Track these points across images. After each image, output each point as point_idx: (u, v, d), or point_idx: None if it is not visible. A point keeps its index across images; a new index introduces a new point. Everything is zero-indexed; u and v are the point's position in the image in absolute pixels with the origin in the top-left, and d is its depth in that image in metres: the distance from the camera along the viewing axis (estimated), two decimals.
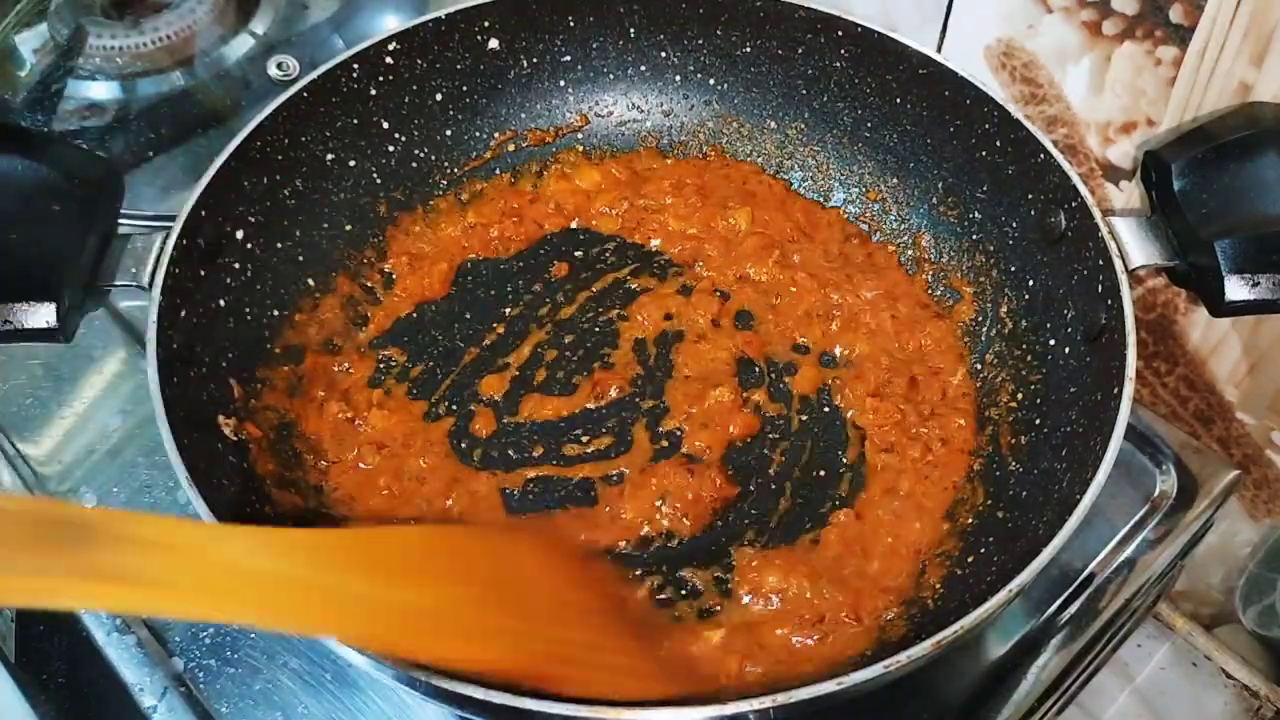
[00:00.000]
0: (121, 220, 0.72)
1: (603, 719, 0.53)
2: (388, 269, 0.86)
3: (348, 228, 0.85)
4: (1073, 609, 0.75)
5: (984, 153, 0.81)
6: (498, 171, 0.92)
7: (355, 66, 0.83)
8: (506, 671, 0.49)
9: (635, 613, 0.66)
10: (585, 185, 0.92)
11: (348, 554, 0.47)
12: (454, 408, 0.80)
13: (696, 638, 0.67)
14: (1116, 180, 0.89)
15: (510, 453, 0.77)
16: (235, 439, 0.71)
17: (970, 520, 0.73)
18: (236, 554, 0.39)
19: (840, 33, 0.86)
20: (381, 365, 0.81)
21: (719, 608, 0.69)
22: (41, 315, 0.64)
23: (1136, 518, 0.79)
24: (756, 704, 0.53)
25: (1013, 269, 0.81)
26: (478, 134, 0.92)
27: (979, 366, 0.81)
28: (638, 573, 0.71)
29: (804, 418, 0.80)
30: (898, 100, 0.86)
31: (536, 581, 0.56)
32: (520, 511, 0.74)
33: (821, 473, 0.77)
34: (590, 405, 0.80)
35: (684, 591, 0.71)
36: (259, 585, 0.40)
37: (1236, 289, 0.68)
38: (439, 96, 0.89)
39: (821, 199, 0.92)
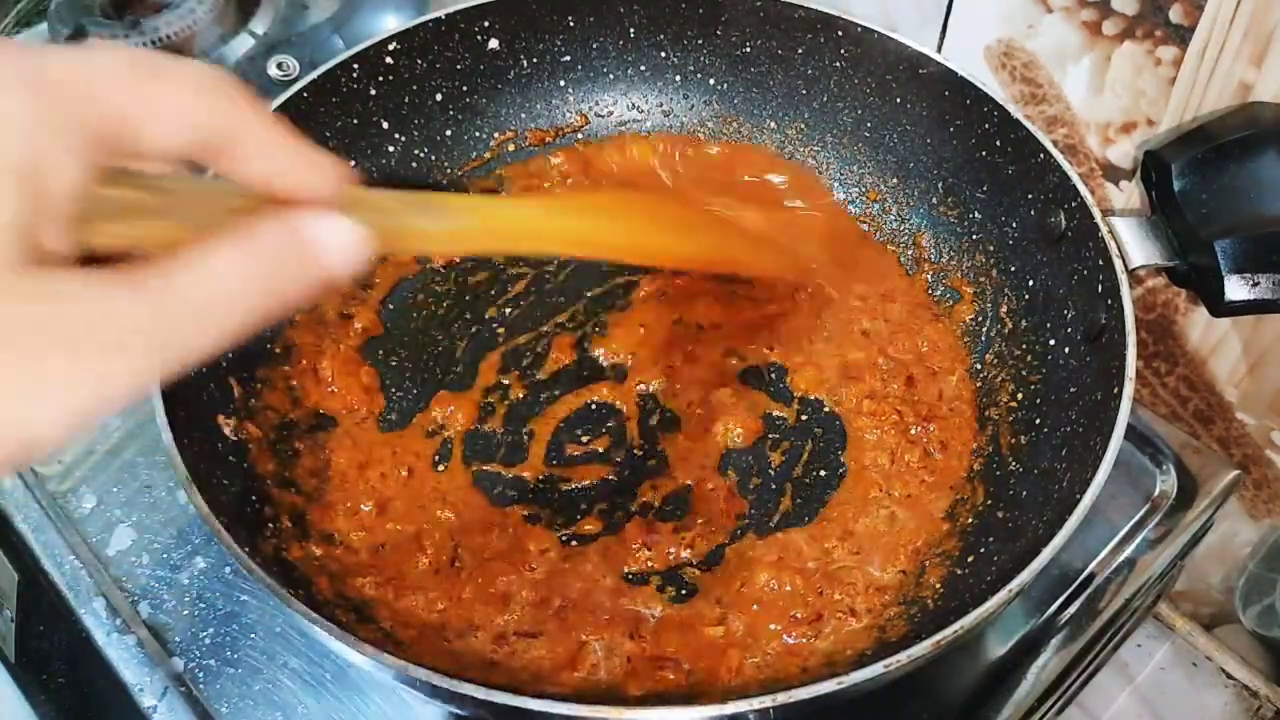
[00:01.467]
0: None
1: (603, 719, 0.53)
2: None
3: None
4: (1073, 609, 0.75)
5: (984, 153, 0.81)
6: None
7: (355, 66, 0.82)
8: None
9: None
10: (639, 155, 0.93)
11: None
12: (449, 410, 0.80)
13: (698, 633, 0.68)
14: (1116, 180, 0.89)
15: (506, 451, 0.77)
16: (235, 439, 0.71)
17: (970, 520, 0.73)
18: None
19: (840, 33, 0.86)
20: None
21: (719, 605, 0.69)
22: None
23: (1136, 518, 0.79)
24: (756, 703, 0.53)
25: (1013, 269, 0.81)
26: (478, 134, 0.92)
27: (979, 366, 0.81)
28: (636, 571, 0.71)
29: (804, 417, 0.80)
30: (898, 100, 0.86)
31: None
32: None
33: (822, 472, 0.77)
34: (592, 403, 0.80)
35: (683, 591, 0.71)
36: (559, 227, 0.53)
37: (1236, 289, 0.68)
38: (439, 96, 0.89)
39: None
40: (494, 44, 0.89)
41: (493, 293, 0.87)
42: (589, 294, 0.86)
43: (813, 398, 0.80)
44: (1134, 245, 0.71)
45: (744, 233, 0.76)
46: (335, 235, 0.37)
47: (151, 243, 0.35)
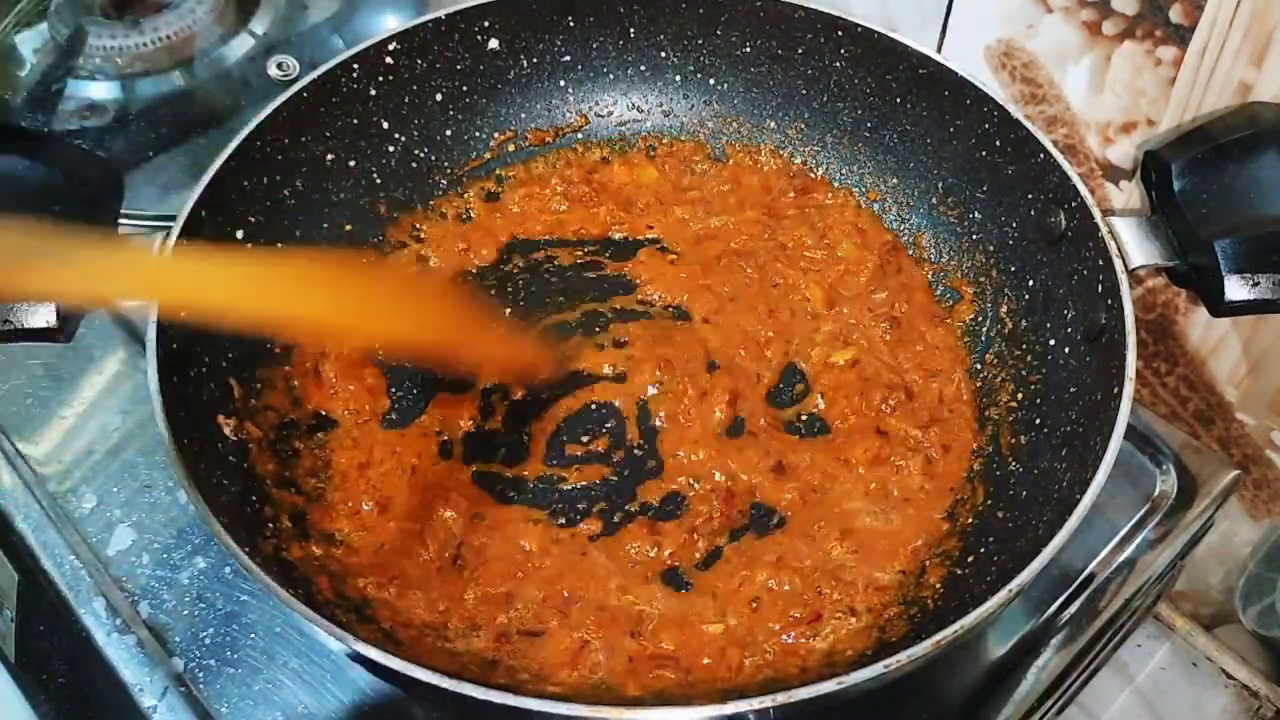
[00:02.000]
0: (121, 220, 0.72)
1: (603, 719, 0.53)
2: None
3: (348, 228, 0.85)
4: (1073, 609, 0.75)
5: (984, 153, 0.81)
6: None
7: (355, 66, 0.83)
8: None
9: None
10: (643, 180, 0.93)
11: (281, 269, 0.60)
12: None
13: (697, 631, 0.68)
14: (1116, 180, 0.89)
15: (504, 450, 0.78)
16: (235, 439, 0.71)
17: (970, 520, 0.73)
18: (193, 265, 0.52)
19: (840, 33, 0.86)
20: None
21: (718, 603, 0.69)
22: (41, 315, 0.63)
23: (1136, 518, 0.79)
24: (756, 703, 0.53)
25: (1013, 269, 0.81)
26: (478, 134, 0.92)
27: (979, 367, 0.81)
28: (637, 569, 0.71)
29: (803, 418, 0.80)
30: (898, 100, 0.86)
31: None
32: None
33: (822, 473, 0.77)
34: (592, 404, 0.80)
35: (684, 590, 0.71)
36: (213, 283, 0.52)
37: (1236, 289, 0.68)
38: (439, 96, 0.89)
39: None
40: (494, 44, 0.89)
41: (493, 292, 0.87)
42: (591, 292, 0.87)
43: (813, 401, 0.80)
44: (1134, 245, 0.71)
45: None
46: None
47: None
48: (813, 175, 0.92)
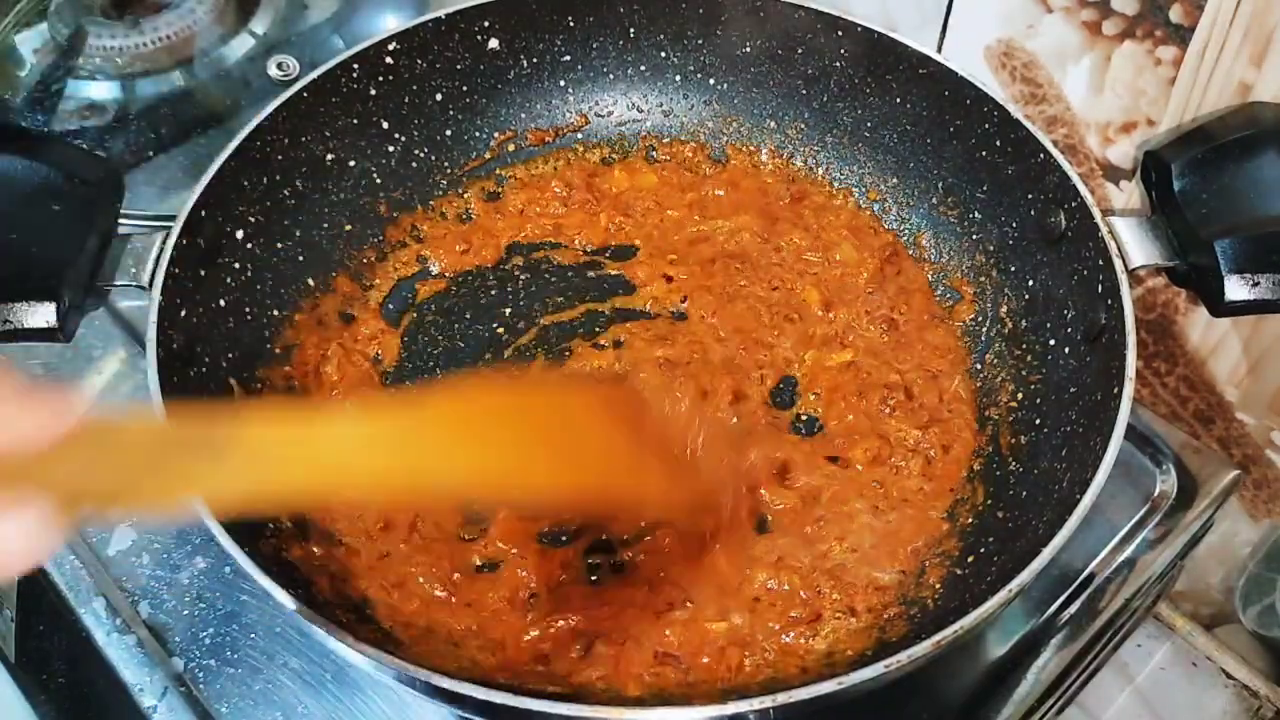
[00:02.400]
0: (121, 220, 0.72)
1: (603, 719, 0.53)
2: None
3: (348, 228, 0.85)
4: (1073, 609, 0.75)
5: (984, 153, 0.81)
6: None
7: (355, 66, 0.83)
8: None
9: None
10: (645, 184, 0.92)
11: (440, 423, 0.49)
12: None
13: (698, 629, 0.68)
14: (1116, 180, 0.89)
15: None
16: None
17: (970, 520, 0.73)
18: (343, 441, 0.42)
19: (840, 33, 0.86)
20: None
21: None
22: (41, 315, 0.64)
23: (1136, 518, 0.79)
24: (756, 704, 0.53)
25: (1013, 269, 0.81)
26: (478, 134, 0.92)
27: (979, 367, 0.81)
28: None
29: (803, 418, 0.80)
30: (898, 100, 0.86)
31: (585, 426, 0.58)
32: None
33: (822, 473, 0.77)
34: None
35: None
36: (373, 465, 0.44)
37: (1236, 289, 0.68)
38: (439, 96, 0.89)
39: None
40: (494, 44, 0.89)
41: (493, 292, 0.87)
42: (591, 292, 0.87)
43: (812, 403, 0.80)
44: (1134, 245, 0.71)
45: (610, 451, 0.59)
46: (13, 537, 0.34)
47: None
48: (811, 179, 0.92)
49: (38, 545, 0.34)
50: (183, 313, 0.69)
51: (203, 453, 0.36)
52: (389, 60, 0.84)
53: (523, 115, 0.93)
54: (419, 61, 0.86)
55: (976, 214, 0.84)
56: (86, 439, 0.35)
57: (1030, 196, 0.78)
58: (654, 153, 0.95)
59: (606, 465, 0.57)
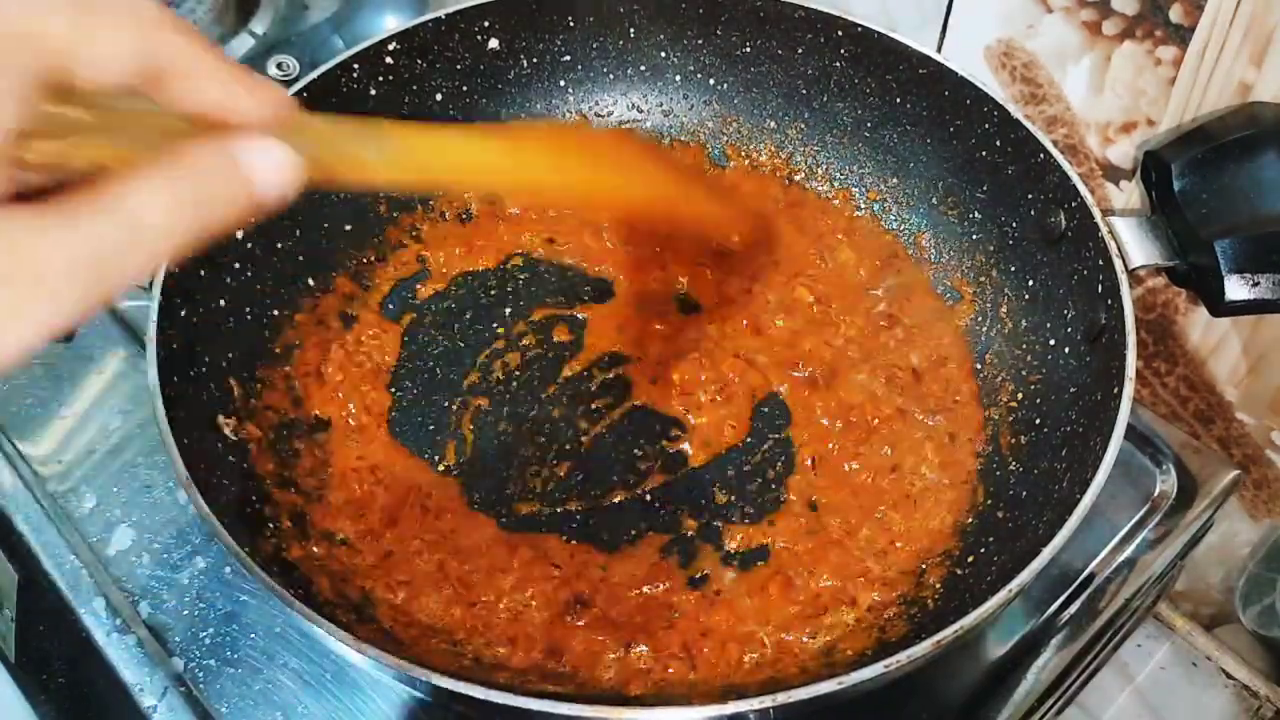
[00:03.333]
0: None
1: (603, 719, 0.53)
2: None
3: (348, 228, 0.85)
4: (1073, 609, 0.75)
5: (984, 153, 0.81)
6: None
7: (355, 66, 0.82)
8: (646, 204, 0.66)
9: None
10: None
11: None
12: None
13: (699, 625, 0.68)
14: (1116, 180, 0.89)
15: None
16: (235, 439, 0.71)
17: (970, 520, 0.73)
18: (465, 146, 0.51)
19: (840, 33, 0.86)
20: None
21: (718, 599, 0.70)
22: None
23: (1136, 518, 0.79)
24: (756, 704, 0.53)
25: (1013, 269, 0.81)
26: None
27: (979, 366, 0.81)
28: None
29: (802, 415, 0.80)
30: (898, 100, 0.86)
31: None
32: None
33: (822, 473, 0.77)
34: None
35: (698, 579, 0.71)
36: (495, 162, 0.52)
37: (1236, 289, 0.68)
38: (439, 96, 0.89)
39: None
40: (494, 44, 0.89)
41: (493, 292, 0.87)
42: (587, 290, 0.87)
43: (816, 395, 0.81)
44: (1134, 245, 0.71)
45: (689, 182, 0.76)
46: (266, 158, 0.38)
47: (86, 162, 0.36)
48: (804, 187, 0.92)
49: (289, 176, 0.39)
50: (183, 313, 0.69)
51: (371, 144, 0.44)
52: (389, 60, 0.84)
53: (522, 115, 0.93)
54: (419, 61, 0.86)
55: (976, 214, 0.84)
56: (296, 122, 0.40)
57: (1030, 196, 0.78)
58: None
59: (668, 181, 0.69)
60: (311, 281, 0.82)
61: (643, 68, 0.93)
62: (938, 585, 0.69)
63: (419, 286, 0.87)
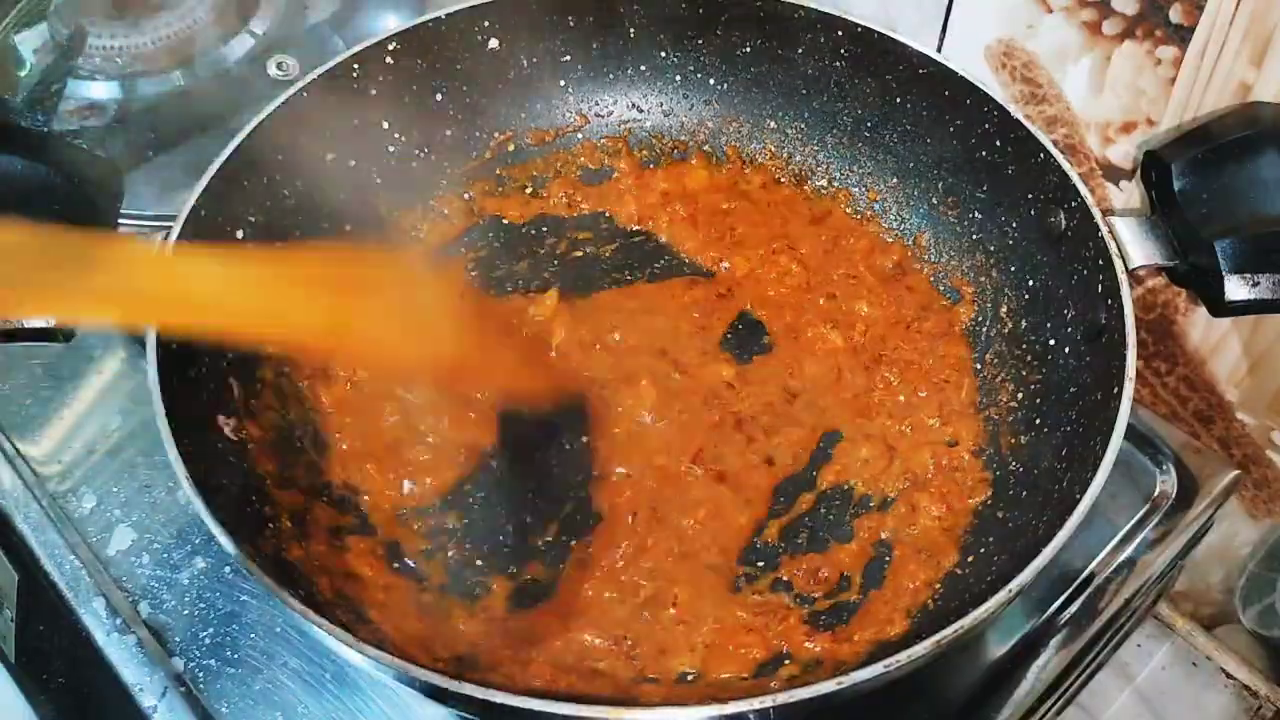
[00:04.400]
0: (121, 220, 0.72)
1: (603, 719, 0.53)
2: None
3: (348, 228, 0.85)
4: (1073, 609, 0.75)
5: (984, 153, 0.81)
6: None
7: (355, 66, 0.82)
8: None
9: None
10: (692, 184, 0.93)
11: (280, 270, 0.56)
12: None
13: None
14: (1116, 180, 0.89)
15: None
16: (235, 439, 0.71)
17: (970, 520, 0.73)
18: (196, 272, 0.48)
19: (840, 33, 0.86)
20: None
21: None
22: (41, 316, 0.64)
23: (1136, 518, 0.79)
24: (756, 703, 0.53)
25: (1013, 269, 0.81)
26: (478, 134, 0.92)
27: (979, 366, 0.81)
28: None
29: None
30: (898, 100, 0.86)
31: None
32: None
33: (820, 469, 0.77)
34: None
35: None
36: (216, 299, 0.49)
37: (1236, 289, 0.68)
38: (439, 96, 0.89)
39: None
40: (494, 44, 0.89)
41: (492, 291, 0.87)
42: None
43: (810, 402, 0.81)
44: (1134, 245, 0.71)
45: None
46: None
47: None
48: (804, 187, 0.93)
49: None
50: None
51: (71, 267, 0.39)
52: (389, 60, 0.84)
53: (523, 115, 0.93)
54: (419, 61, 0.86)
55: (976, 214, 0.84)
56: None
57: (1030, 196, 0.78)
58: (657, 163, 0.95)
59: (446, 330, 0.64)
60: None
61: (643, 68, 0.93)
62: (938, 585, 0.69)
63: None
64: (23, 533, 0.76)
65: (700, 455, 0.76)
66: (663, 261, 0.89)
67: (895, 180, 0.89)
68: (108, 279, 0.40)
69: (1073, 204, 0.74)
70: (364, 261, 0.64)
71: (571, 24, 0.90)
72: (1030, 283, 0.79)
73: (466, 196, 0.91)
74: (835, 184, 0.92)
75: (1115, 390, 0.65)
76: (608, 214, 0.91)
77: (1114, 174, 0.89)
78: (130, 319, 0.45)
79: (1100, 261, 0.71)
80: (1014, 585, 0.57)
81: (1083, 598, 0.75)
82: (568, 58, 0.92)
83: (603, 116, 0.95)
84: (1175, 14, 0.77)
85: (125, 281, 0.42)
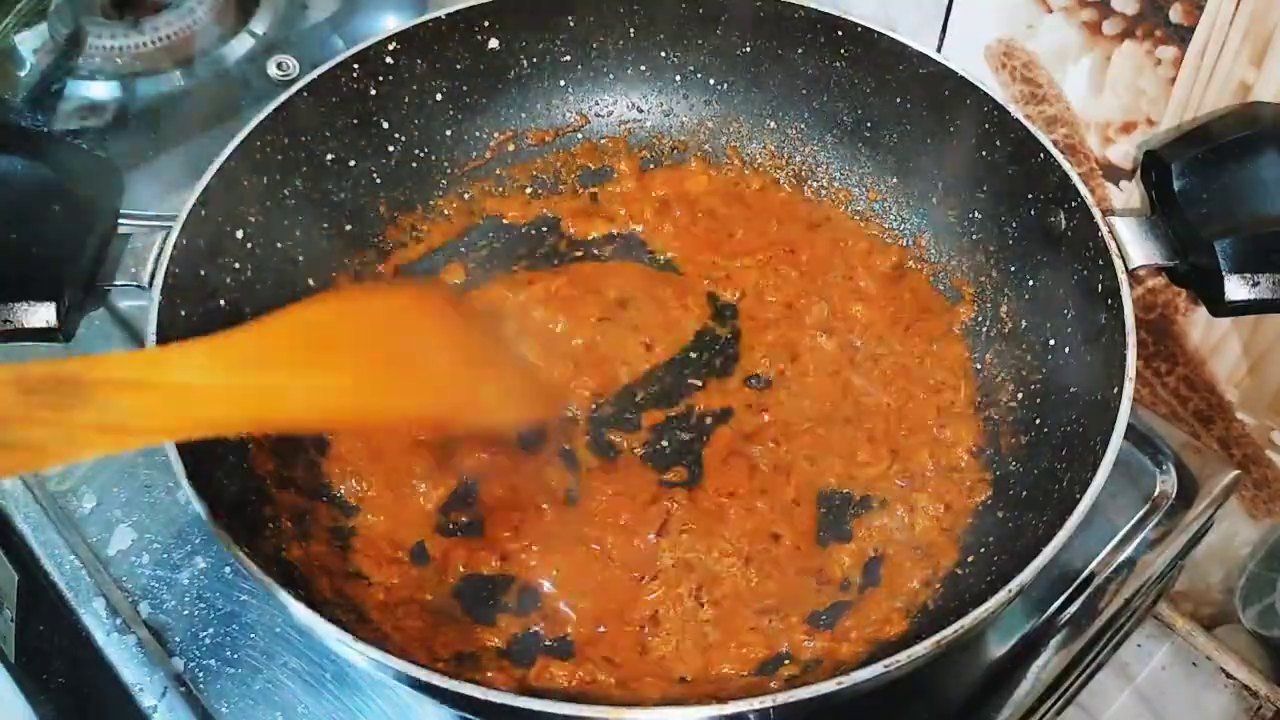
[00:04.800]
0: (121, 220, 0.71)
1: (603, 719, 0.53)
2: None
3: (348, 228, 0.85)
4: (1073, 609, 0.75)
5: (984, 153, 0.81)
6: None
7: (355, 66, 0.82)
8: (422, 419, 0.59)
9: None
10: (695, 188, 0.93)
11: (280, 346, 0.54)
12: None
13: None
14: (1116, 180, 0.89)
15: None
16: (235, 439, 0.71)
17: (970, 520, 0.73)
18: (192, 376, 0.45)
19: (840, 33, 0.86)
20: None
21: None
22: (41, 315, 0.64)
23: (1136, 518, 0.79)
24: (756, 703, 0.53)
25: (1013, 269, 0.81)
26: (478, 134, 0.92)
27: (979, 367, 0.81)
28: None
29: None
30: (898, 100, 0.86)
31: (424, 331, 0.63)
32: None
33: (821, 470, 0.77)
34: None
35: None
36: (224, 400, 0.47)
37: (1236, 289, 0.68)
38: (439, 96, 0.89)
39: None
40: (494, 44, 0.89)
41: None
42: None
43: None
44: (1134, 245, 0.71)
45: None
46: None
47: None
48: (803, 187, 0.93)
49: None
50: (183, 313, 0.69)
51: (50, 401, 0.36)
52: (389, 60, 0.84)
53: (523, 115, 0.93)
54: (419, 61, 0.86)
55: (976, 214, 0.84)
56: None
57: (1030, 196, 0.78)
58: (654, 165, 0.95)
59: (441, 369, 0.61)
60: (311, 281, 0.82)
61: (643, 68, 0.93)
62: (938, 585, 0.69)
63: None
64: (23, 533, 0.76)
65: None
66: (661, 264, 0.89)
67: (895, 180, 0.89)
68: (100, 411, 0.38)
69: (1073, 204, 0.74)
70: (346, 311, 0.62)
71: (571, 24, 0.90)
72: (1030, 283, 0.79)
73: (466, 196, 0.91)
74: (835, 184, 0.92)
75: (1115, 390, 0.65)
76: (608, 215, 0.91)
77: (1114, 174, 0.89)
78: (130, 446, 0.44)
79: (1100, 261, 0.71)
80: (1014, 585, 0.57)
81: (1083, 598, 0.75)
82: (568, 58, 0.92)
83: (603, 116, 0.95)
84: (1175, 14, 0.77)
85: (118, 409, 0.39)
